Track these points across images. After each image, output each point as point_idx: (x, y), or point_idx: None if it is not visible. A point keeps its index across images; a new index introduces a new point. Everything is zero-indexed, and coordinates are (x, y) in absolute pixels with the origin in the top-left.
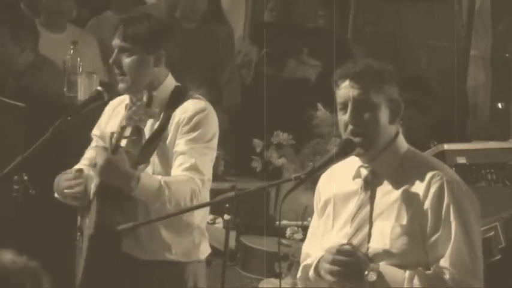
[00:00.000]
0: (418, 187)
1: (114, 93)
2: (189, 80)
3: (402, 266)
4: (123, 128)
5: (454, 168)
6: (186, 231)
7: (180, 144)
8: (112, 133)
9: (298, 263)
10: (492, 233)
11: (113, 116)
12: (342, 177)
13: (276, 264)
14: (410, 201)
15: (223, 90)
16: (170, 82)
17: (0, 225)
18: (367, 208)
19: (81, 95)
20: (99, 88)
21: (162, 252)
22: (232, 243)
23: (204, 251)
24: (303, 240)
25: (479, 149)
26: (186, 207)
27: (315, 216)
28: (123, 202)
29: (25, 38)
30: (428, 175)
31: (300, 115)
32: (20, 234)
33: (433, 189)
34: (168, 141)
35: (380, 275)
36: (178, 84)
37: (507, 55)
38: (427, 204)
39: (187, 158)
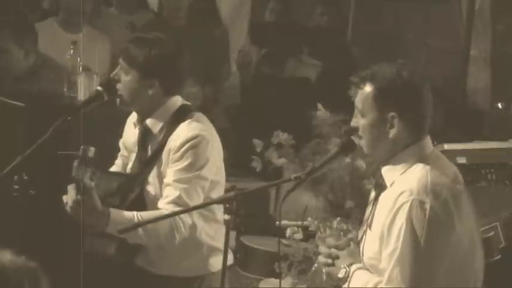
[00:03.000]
0: (392, 200)
1: (114, 94)
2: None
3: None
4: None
5: None
6: (194, 249)
7: (168, 175)
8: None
9: (298, 263)
10: (492, 233)
11: (128, 128)
12: None
13: (276, 264)
14: (384, 212)
15: (221, 89)
16: (174, 103)
17: (0, 225)
18: (369, 209)
19: (81, 95)
20: (99, 88)
21: (170, 268)
22: (232, 243)
23: (215, 263)
24: (303, 240)
25: (479, 149)
26: (186, 208)
27: None
28: None
29: (27, 41)
30: (401, 190)
31: (300, 115)
32: (20, 234)
33: (396, 206)
34: (162, 167)
35: (348, 274)
36: (184, 103)
37: (507, 55)
38: (387, 219)
39: (172, 191)
